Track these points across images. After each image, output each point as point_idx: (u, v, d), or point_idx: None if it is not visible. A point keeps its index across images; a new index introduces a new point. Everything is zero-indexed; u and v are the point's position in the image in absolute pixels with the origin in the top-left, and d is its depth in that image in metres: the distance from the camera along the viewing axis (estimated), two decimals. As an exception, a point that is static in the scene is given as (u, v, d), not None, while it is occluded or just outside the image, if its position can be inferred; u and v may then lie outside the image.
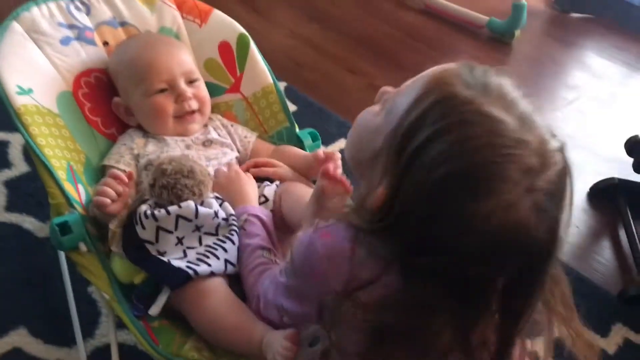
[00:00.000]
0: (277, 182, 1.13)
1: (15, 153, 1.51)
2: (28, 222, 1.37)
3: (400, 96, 0.71)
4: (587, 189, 1.86)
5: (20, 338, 1.17)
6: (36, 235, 1.35)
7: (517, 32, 2.47)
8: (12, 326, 1.18)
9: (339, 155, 1.06)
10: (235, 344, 0.90)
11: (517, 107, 0.65)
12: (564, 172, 0.66)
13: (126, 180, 1.00)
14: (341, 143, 1.77)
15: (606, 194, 1.82)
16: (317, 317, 0.76)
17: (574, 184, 0.67)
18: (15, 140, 1.53)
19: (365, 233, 0.70)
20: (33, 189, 1.42)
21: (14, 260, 1.30)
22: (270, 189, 1.11)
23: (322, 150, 1.11)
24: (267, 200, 1.09)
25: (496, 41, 2.49)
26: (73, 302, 1.23)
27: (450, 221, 0.64)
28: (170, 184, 0.97)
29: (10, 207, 1.39)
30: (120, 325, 1.18)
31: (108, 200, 0.97)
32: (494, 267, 0.66)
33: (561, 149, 0.66)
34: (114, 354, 1.05)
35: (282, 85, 1.90)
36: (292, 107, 1.84)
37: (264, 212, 1.02)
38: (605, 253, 1.69)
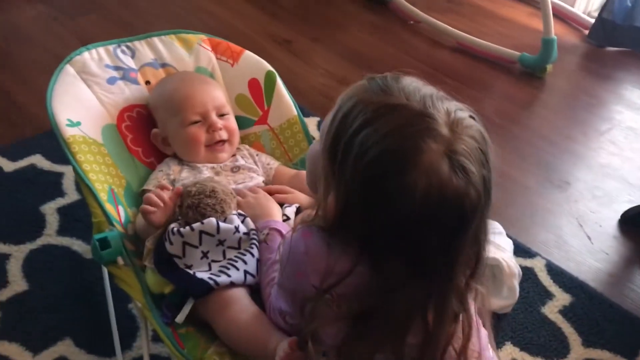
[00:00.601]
0: (297, 205, 1.21)
1: (68, 183, 1.66)
2: (77, 245, 1.49)
3: (325, 120, 0.82)
4: (618, 217, 1.86)
5: (66, 348, 1.27)
6: (84, 257, 1.47)
7: (549, 67, 2.51)
8: (60, 337, 1.29)
9: None
10: (253, 351, 0.96)
11: (418, 94, 0.74)
12: (479, 136, 0.74)
13: (170, 187, 1.10)
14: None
15: (637, 221, 1.82)
16: (299, 312, 0.83)
17: (493, 148, 0.76)
18: (69, 172, 1.67)
19: (331, 233, 0.79)
20: (82, 216, 1.55)
21: (63, 278, 1.41)
22: (290, 209, 1.18)
23: None
24: (288, 218, 1.16)
25: (529, 76, 2.53)
26: (114, 317, 1.33)
27: (383, 199, 0.72)
28: (194, 204, 1.07)
29: (61, 231, 1.52)
30: (154, 338, 1.28)
31: (152, 208, 1.07)
32: (433, 234, 0.73)
33: (472, 117, 0.75)
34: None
35: (315, 119, 2.01)
36: (323, 141, 1.93)
37: (284, 227, 1.10)
38: (636, 279, 1.68)
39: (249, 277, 1.03)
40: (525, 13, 3.02)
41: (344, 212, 0.76)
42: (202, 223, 1.04)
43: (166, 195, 1.09)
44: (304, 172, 1.30)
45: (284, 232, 1.08)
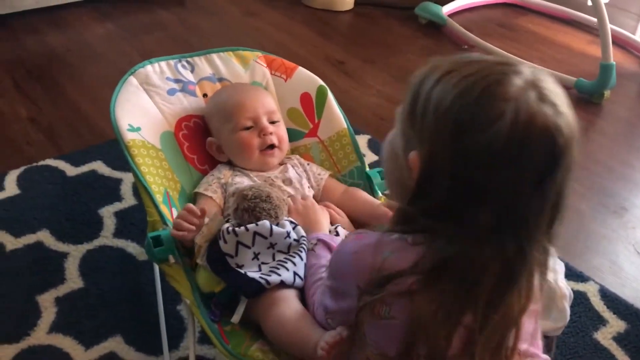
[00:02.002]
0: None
1: (126, 189, 1.73)
2: (131, 247, 1.55)
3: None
4: (678, 246, 1.79)
5: (116, 344, 1.31)
6: (137, 259, 1.52)
7: (607, 93, 2.46)
8: (111, 333, 1.33)
9: None
10: (298, 348, 0.97)
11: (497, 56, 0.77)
12: (561, 88, 0.74)
13: (199, 214, 1.10)
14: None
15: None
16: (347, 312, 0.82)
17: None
18: (127, 179, 1.75)
19: (415, 198, 0.77)
20: (138, 220, 1.61)
21: (117, 278, 1.47)
22: (342, 230, 1.20)
23: None
24: (338, 234, 1.18)
25: (585, 101, 2.48)
26: (163, 317, 1.36)
27: (470, 133, 0.71)
28: (250, 207, 1.10)
29: (117, 234, 1.58)
30: (200, 340, 1.31)
31: (180, 232, 1.08)
32: (524, 169, 0.70)
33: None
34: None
35: (365, 137, 2.04)
36: (373, 157, 1.95)
37: (332, 240, 1.11)
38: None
39: (297, 279, 1.04)
40: (583, 40, 2.98)
41: (431, 162, 0.74)
42: (257, 224, 1.07)
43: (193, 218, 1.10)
44: (353, 189, 1.33)
45: (330, 242, 1.10)
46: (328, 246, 1.09)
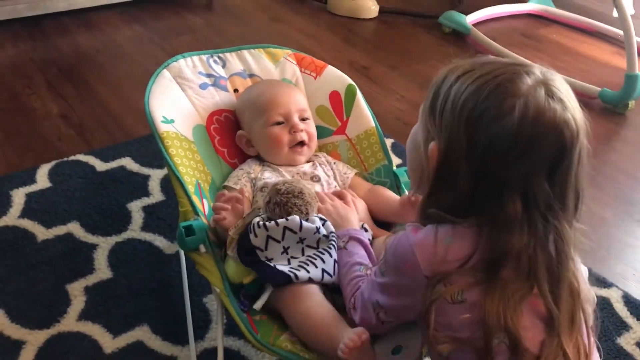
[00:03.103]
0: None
1: (154, 185, 1.76)
2: (158, 241, 1.58)
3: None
4: None
5: (143, 333, 1.33)
6: (164, 252, 1.55)
7: (632, 103, 2.45)
8: (138, 323, 1.35)
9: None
10: (319, 342, 0.98)
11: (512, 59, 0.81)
12: (569, 88, 0.81)
13: (240, 197, 1.15)
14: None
15: None
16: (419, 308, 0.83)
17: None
18: (155, 175, 1.78)
19: (436, 190, 0.83)
20: (165, 215, 1.64)
21: (145, 270, 1.49)
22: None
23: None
24: (367, 231, 1.19)
25: (609, 111, 2.47)
26: (189, 309, 1.38)
27: (483, 127, 0.77)
28: (282, 202, 1.10)
29: (145, 228, 1.61)
30: (226, 332, 1.32)
31: (221, 216, 1.12)
32: (535, 160, 0.77)
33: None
34: (219, 353, 1.16)
35: (389, 141, 2.05)
36: (397, 161, 1.96)
37: (363, 235, 1.12)
38: None
39: (326, 276, 1.05)
40: (607, 52, 2.98)
41: (447, 153, 0.80)
42: (287, 219, 1.08)
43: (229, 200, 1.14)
44: (378, 187, 1.34)
45: (363, 239, 1.11)
46: (360, 242, 1.10)
